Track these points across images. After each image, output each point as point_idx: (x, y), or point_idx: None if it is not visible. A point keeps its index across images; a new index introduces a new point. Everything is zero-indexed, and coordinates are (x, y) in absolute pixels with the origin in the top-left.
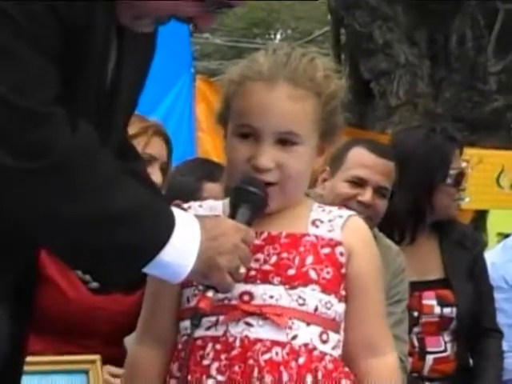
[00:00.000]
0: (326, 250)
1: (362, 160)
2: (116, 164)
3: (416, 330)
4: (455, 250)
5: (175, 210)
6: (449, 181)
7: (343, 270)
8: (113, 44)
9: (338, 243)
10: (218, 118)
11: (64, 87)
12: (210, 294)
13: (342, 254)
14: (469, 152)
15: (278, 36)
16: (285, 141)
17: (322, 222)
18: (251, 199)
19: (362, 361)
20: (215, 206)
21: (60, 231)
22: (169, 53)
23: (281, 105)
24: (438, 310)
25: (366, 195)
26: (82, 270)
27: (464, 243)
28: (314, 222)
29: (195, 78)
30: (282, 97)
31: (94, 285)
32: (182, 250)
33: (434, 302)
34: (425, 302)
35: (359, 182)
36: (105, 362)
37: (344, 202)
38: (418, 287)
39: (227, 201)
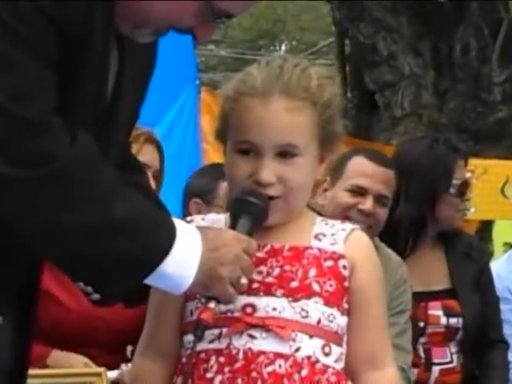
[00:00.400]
0: (329, 263)
1: (362, 169)
2: (116, 175)
3: (422, 340)
4: (461, 260)
5: (176, 221)
6: (452, 191)
7: (346, 284)
8: (113, 55)
9: (341, 256)
10: (217, 135)
11: (62, 97)
12: (211, 305)
13: (344, 267)
14: (473, 162)
15: (283, 47)
16: (285, 153)
17: (324, 235)
18: (252, 210)
19: (364, 374)
20: (218, 219)
21: (58, 241)
22: (173, 65)
23: (278, 118)
24: (444, 320)
25: (367, 204)
26: (82, 281)
27: (470, 254)
28: (316, 236)
29: (200, 89)
30: (278, 110)
31: (96, 296)
32: (183, 261)
33: (440, 313)
34: (431, 312)
35: (360, 191)
36: (108, 369)
37: (345, 212)
38: (424, 297)
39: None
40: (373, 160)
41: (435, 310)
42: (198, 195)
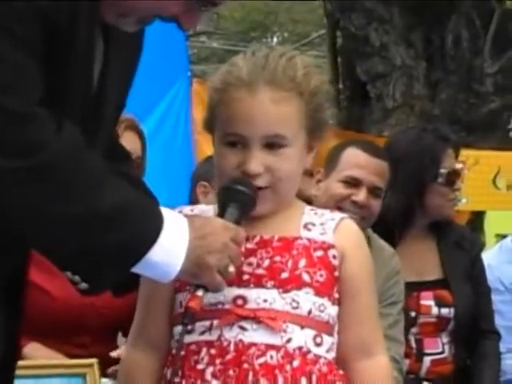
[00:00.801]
0: (319, 253)
1: (356, 160)
2: (104, 164)
3: (414, 330)
4: (453, 250)
5: (164, 210)
6: (440, 180)
7: (336, 273)
8: (98, 45)
9: (331, 246)
10: (205, 125)
11: (48, 89)
12: (199, 293)
13: (334, 257)
14: (465, 153)
15: (275, 39)
16: (272, 144)
17: (314, 225)
18: (240, 198)
19: (355, 362)
20: (206, 210)
21: (48, 230)
22: (165, 57)
23: (264, 109)
24: (435, 310)
25: (361, 195)
26: (70, 270)
27: (462, 244)
28: (306, 226)
29: (192, 81)
30: (264, 102)
31: (84, 286)
32: (171, 249)
33: (431, 303)
34: (422, 302)
35: (353, 183)
36: (99, 359)
37: (338, 203)
38: (416, 287)
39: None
40: (367, 151)
41: (427, 300)
42: (205, 179)
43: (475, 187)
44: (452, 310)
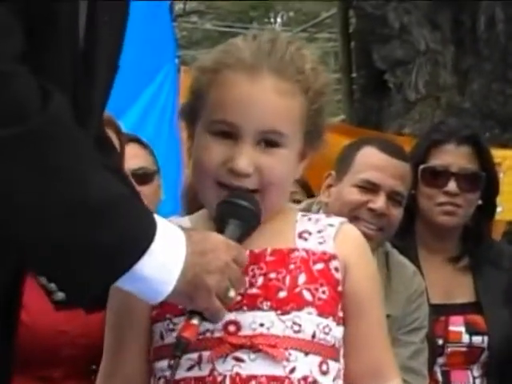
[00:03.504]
0: (320, 266)
1: (372, 161)
2: (94, 149)
3: (440, 361)
4: (489, 269)
5: (157, 217)
6: (422, 180)
7: (339, 288)
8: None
9: (332, 257)
10: (185, 113)
11: (30, 49)
12: (195, 321)
13: (337, 270)
14: (500, 154)
15: (279, 19)
16: (268, 141)
17: (310, 233)
18: (242, 214)
19: None
20: (181, 223)
21: (20, 215)
22: (147, 40)
23: (265, 99)
24: (466, 338)
25: (379, 202)
26: (45, 273)
27: (499, 262)
28: (301, 235)
29: (180, 68)
30: (266, 90)
31: (60, 296)
32: (164, 262)
33: (462, 329)
34: (451, 328)
35: (370, 187)
36: None
37: (353, 211)
38: (444, 311)
39: (195, 217)
40: (385, 151)
41: (457, 326)
42: None
43: None
44: (485, 338)
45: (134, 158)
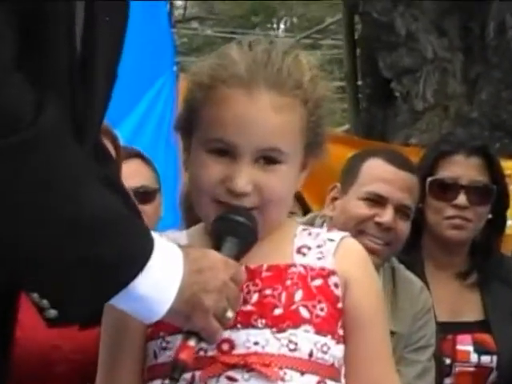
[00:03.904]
0: (318, 282)
1: (379, 173)
2: (88, 160)
3: (448, 381)
4: (498, 286)
5: (153, 233)
6: (429, 191)
7: (339, 305)
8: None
9: (331, 272)
10: (180, 126)
11: (24, 50)
12: (192, 342)
13: (336, 286)
14: (510, 165)
15: (282, 25)
16: (266, 159)
17: (309, 248)
18: (239, 231)
19: None
20: (179, 237)
21: (11, 227)
22: (145, 47)
23: (263, 116)
24: (474, 357)
25: (386, 215)
26: (37, 289)
27: (509, 278)
28: (299, 250)
29: (179, 76)
30: (264, 107)
31: (52, 313)
32: (161, 281)
33: (470, 348)
34: (459, 347)
35: (377, 200)
36: None
37: (359, 225)
38: (452, 329)
39: (193, 231)
40: (393, 163)
41: (464, 345)
42: None
43: None
44: (494, 357)
45: (135, 176)
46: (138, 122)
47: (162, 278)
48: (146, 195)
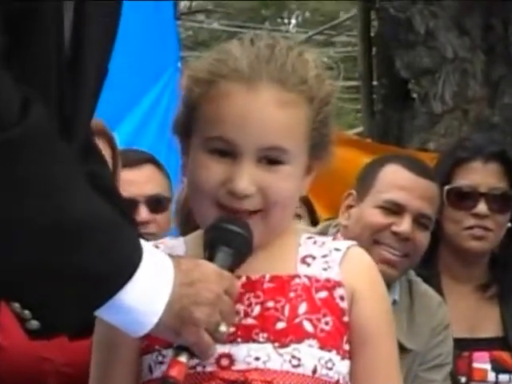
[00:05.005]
0: (323, 295)
1: (397, 180)
2: (76, 162)
3: None
4: None
5: (143, 242)
6: (447, 200)
7: (345, 319)
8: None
9: (337, 284)
10: (177, 128)
11: (11, 48)
12: (182, 358)
13: (342, 298)
14: None
15: (294, 20)
16: (270, 158)
17: (314, 258)
18: (234, 241)
19: None
20: (176, 245)
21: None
22: (148, 41)
23: (265, 112)
24: (492, 376)
25: (404, 225)
26: (18, 299)
27: None
28: (304, 260)
29: (183, 72)
30: (267, 103)
31: (34, 324)
32: (150, 293)
33: (487, 366)
34: (476, 365)
35: (394, 209)
36: None
37: (375, 234)
38: (468, 346)
39: (190, 238)
40: (412, 169)
41: (481, 363)
42: None
43: None
44: None
45: (149, 183)
46: (142, 118)
47: (151, 289)
48: (160, 204)
